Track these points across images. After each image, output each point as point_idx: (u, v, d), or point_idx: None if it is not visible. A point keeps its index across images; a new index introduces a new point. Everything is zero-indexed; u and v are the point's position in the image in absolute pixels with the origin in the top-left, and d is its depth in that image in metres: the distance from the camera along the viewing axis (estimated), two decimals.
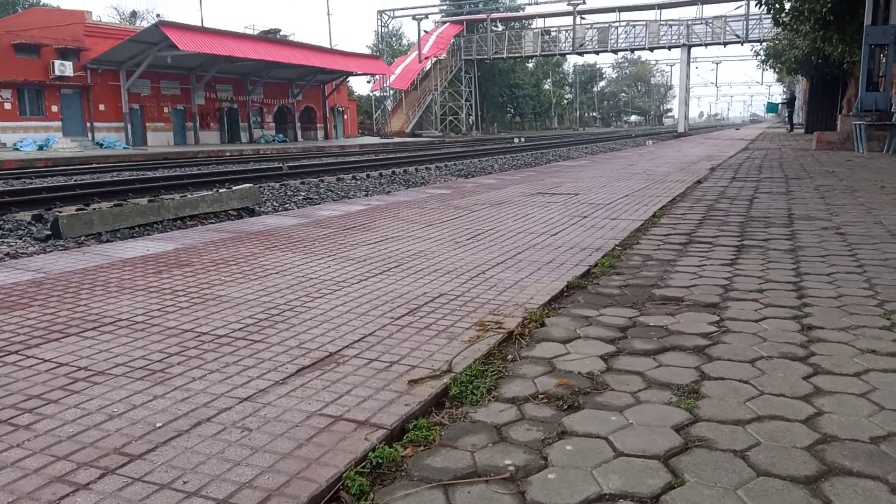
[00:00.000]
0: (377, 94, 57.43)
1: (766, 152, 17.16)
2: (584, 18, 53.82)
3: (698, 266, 3.98)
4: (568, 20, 53.83)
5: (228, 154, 28.13)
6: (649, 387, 2.19)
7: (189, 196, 9.61)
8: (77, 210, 9.11)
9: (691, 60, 53.79)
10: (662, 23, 51.84)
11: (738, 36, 49.15)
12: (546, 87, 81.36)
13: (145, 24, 43.21)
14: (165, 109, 36.27)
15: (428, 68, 55.06)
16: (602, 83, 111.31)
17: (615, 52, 57.50)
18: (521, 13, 61.22)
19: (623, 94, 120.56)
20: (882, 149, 15.84)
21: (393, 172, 16.88)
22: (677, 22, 51.57)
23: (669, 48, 52.54)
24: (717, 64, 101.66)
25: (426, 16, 56.39)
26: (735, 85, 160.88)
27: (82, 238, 7.32)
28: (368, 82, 55.90)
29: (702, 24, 50.60)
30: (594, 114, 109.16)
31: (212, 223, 8.03)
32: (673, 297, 3.29)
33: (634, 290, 3.42)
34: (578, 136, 53.70)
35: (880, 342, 2.59)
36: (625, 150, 23.05)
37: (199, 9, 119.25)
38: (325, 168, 17.30)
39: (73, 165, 20.98)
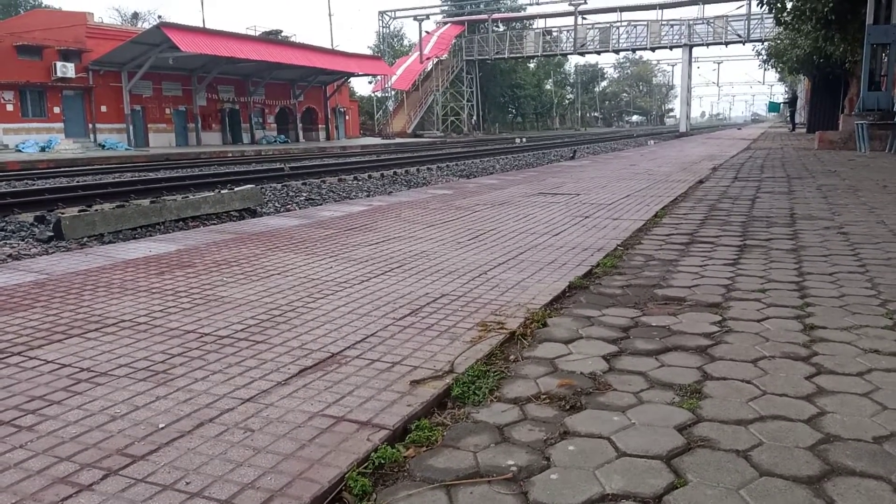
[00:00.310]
0: (379, 94, 57.50)
1: (768, 152, 17.15)
2: (585, 18, 53.83)
3: (700, 266, 3.98)
4: (569, 20, 53.90)
5: (230, 155, 28.15)
6: (651, 387, 2.19)
7: (191, 197, 9.61)
8: (79, 211, 9.12)
9: (693, 60, 53.77)
10: (664, 22, 51.83)
11: (739, 35, 49.13)
12: (547, 87, 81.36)
13: (147, 26, 43.28)
14: (167, 111, 36.32)
15: (429, 69, 55.08)
16: (604, 83, 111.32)
17: (617, 52, 57.46)
18: (522, 13, 61.26)
19: (625, 94, 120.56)
20: (884, 148, 15.82)
21: (394, 173, 16.88)
22: (679, 22, 51.56)
23: (671, 48, 52.52)
24: (718, 63, 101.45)
25: (427, 16, 56.47)
26: (737, 85, 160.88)
27: (84, 239, 7.33)
28: (370, 83, 56.00)
29: (703, 23, 50.59)
30: (596, 114, 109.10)
31: (214, 224, 8.04)
32: (675, 297, 3.29)
33: (636, 290, 3.42)
34: (580, 136, 53.69)
35: (883, 342, 2.58)
36: (626, 150, 23.04)
37: (201, 10, 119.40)
38: (327, 169, 17.30)
39: (75, 167, 21.01)
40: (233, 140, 39.61)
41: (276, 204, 10.69)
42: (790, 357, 2.44)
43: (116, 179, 16.01)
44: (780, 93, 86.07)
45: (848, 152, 15.95)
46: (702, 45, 51.33)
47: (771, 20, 28.32)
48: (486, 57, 57.32)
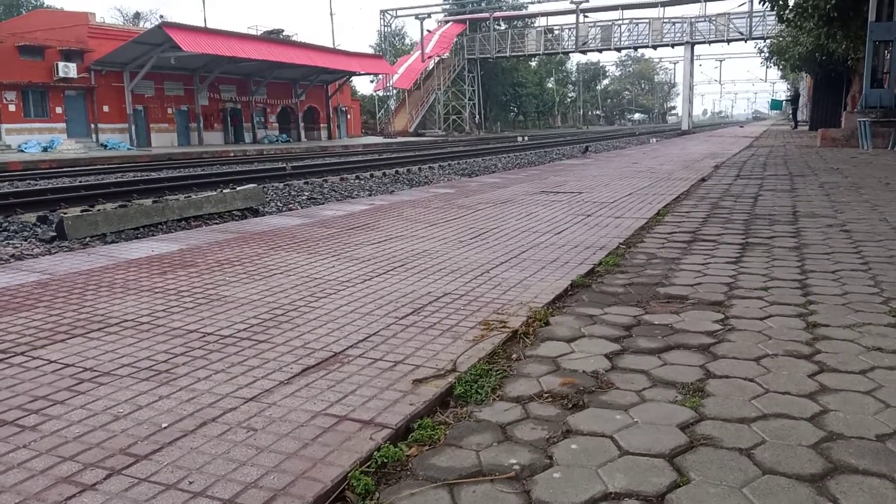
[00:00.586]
0: (380, 93, 57.44)
1: (771, 149, 17.12)
2: (587, 16, 53.79)
3: (703, 264, 3.97)
4: (571, 18, 53.85)
5: (232, 154, 28.17)
6: (654, 385, 2.19)
7: (193, 197, 9.62)
8: (82, 211, 9.13)
9: (695, 58, 53.68)
10: (666, 20, 51.75)
11: (741, 33, 49.04)
12: (549, 85, 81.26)
13: (149, 26, 43.23)
14: (169, 110, 36.35)
15: (431, 67, 55.04)
16: (605, 81, 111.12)
17: (618, 50, 57.38)
18: (523, 12, 61.16)
19: (626, 92, 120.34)
20: (887, 145, 15.80)
21: (396, 172, 16.88)
22: (681, 19, 51.46)
23: (673, 46, 52.40)
24: (720, 61, 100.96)
25: (429, 15, 56.43)
26: (739, 82, 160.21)
27: (87, 239, 7.35)
28: (371, 82, 56.00)
29: (705, 21, 50.49)
30: (598, 112, 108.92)
31: (216, 224, 8.05)
32: (678, 295, 3.29)
33: (639, 289, 3.42)
34: (582, 134, 53.61)
35: (886, 339, 2.58)
36: (629, 148, 23.02)
37: (203, 10, 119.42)
38: (329, 168, 17.30)
39: (77, 167, 21.04)
40: (235, 139, 39.63)
41: (279, 203, 10.70)
42: (793, 355, 2.43)
43: (119, 179, 16.03)
44: (782, 90, 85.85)
45: (850, 150, 15.92)
46: (704, 42, 51.23)
47: (773, 17, 28.29)
48: (488, 55, 57.25)
